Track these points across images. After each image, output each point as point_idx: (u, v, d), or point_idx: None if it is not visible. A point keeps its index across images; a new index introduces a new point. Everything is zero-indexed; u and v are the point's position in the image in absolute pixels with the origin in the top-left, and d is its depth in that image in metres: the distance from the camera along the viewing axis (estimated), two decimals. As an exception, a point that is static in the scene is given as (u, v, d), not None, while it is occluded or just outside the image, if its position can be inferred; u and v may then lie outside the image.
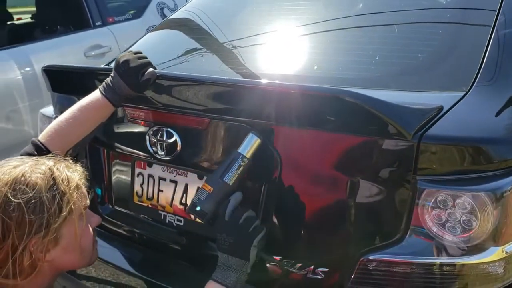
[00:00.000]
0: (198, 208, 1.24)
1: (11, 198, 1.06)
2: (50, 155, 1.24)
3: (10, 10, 4.62)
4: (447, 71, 1.39)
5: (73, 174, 1.16)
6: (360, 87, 1.33)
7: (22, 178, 1.09)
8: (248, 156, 1.25)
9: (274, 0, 2.08)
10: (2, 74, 3.30)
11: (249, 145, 1.25)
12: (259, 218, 1.29)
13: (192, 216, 1.43)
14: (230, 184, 1.23)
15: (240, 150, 1.25)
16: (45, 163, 1.14)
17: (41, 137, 1.35)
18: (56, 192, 1.10)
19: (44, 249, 1.10)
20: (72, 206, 1.11)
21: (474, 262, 1.11)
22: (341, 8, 1.86)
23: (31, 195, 1.06)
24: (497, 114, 1.23)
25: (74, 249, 1.16)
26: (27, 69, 3.40)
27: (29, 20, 4.82)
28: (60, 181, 1.11)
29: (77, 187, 1.15)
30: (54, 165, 1.14)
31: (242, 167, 1.24)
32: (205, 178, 1.38)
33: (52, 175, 1.11)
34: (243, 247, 1.19)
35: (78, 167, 1.20)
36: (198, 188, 1.28)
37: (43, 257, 1.10)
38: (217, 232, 1.22)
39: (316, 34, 1.72)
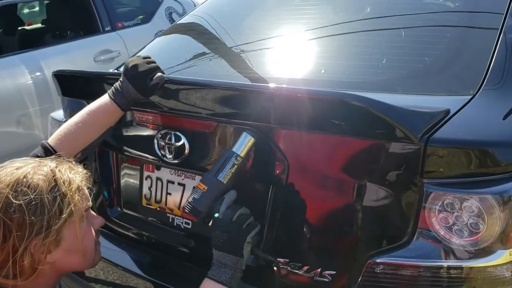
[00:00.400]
0: (192, 207, 1.24)
1: (12, 199, 1.06)
2: (53, 156, 1.24)
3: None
4: (454, 75, 1.39)
5: (75, 176, 1.15)
6: (367, 90, 1.33)
7: (24, 179, 1.09)
8: (242, 155, 1.26)
9: (281, 4, 2.09)
10: (13, 79, 3.34)
11: (243, 144, 1.27)
12: (266, 220, 1.30)
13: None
14: (225, 182, 1.24)
15: (234, 149, 1.26)
16: (47, 165, 1.14)
17: (51, 140, 1.36)
18: (57, 194, 1.09)
19: (45, 251, 1.09)
20: (73, 208, 1.11)
21: (481, 265, 1.11)
22: (348, 12, 1.86)
23: (32, 196, 1.06)
24: (505, 117, 1.23)
25: (76, 251, 1.15)
26: (38, 73, 3.44)
27: (40, 25, 4.87)
28: (62, 183, 1.11)
29: (78, 188, 1.15)
30: (56, 167, 1.14)
31: (236, 166, 1.25)
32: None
33: (54, 176, 1.11)
34: (237, 244, 1.19)
35: (80, 169, 1.19)
36: (194, 187, 1.29)
37: (44, 259, 1.10)
38: (212, 230, 1.22)
39: (323, 38, 1.73)
